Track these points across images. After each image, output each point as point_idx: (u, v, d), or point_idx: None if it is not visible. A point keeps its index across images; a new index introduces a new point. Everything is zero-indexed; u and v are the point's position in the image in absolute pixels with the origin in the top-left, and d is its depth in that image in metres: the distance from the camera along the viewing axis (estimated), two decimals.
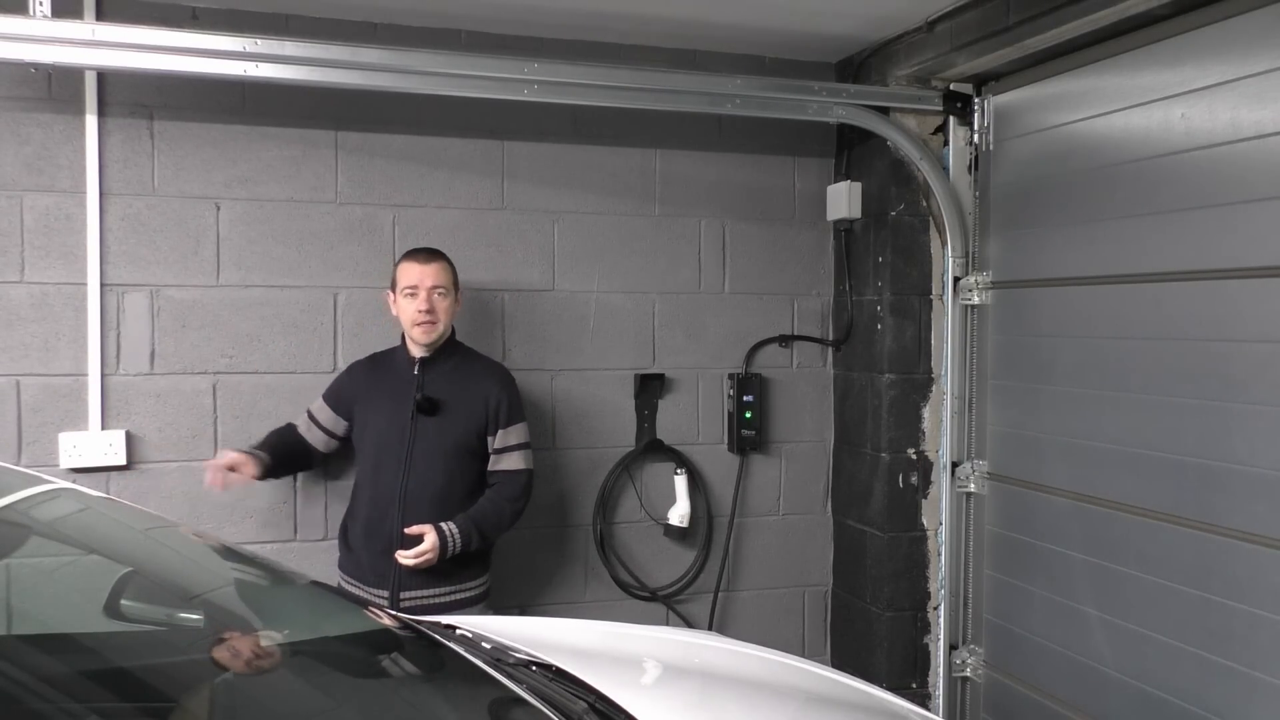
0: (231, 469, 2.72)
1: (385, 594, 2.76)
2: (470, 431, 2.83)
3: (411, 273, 2.78)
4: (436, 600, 2.78)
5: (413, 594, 2.76)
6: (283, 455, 2.88)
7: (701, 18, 3.10)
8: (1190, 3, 2.45)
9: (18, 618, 1.62)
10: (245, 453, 2.77)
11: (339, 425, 2.92)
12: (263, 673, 1.61)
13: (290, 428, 2.97)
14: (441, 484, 2.78)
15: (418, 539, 2.68)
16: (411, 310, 2.76)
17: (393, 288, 2.84)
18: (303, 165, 3.13)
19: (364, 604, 2.25)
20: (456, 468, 2.81)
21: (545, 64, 2.94)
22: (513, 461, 2.87)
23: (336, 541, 2.95)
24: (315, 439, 2.93)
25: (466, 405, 2.82)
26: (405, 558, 2.67)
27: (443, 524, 2.71)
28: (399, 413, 2.79)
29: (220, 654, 1.61)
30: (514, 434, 2.88)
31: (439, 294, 2.79)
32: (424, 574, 2.74)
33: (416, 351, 2.83)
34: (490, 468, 2.86)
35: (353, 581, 2.84)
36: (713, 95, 3.09)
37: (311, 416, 2.95)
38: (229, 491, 3.05)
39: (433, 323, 2.77)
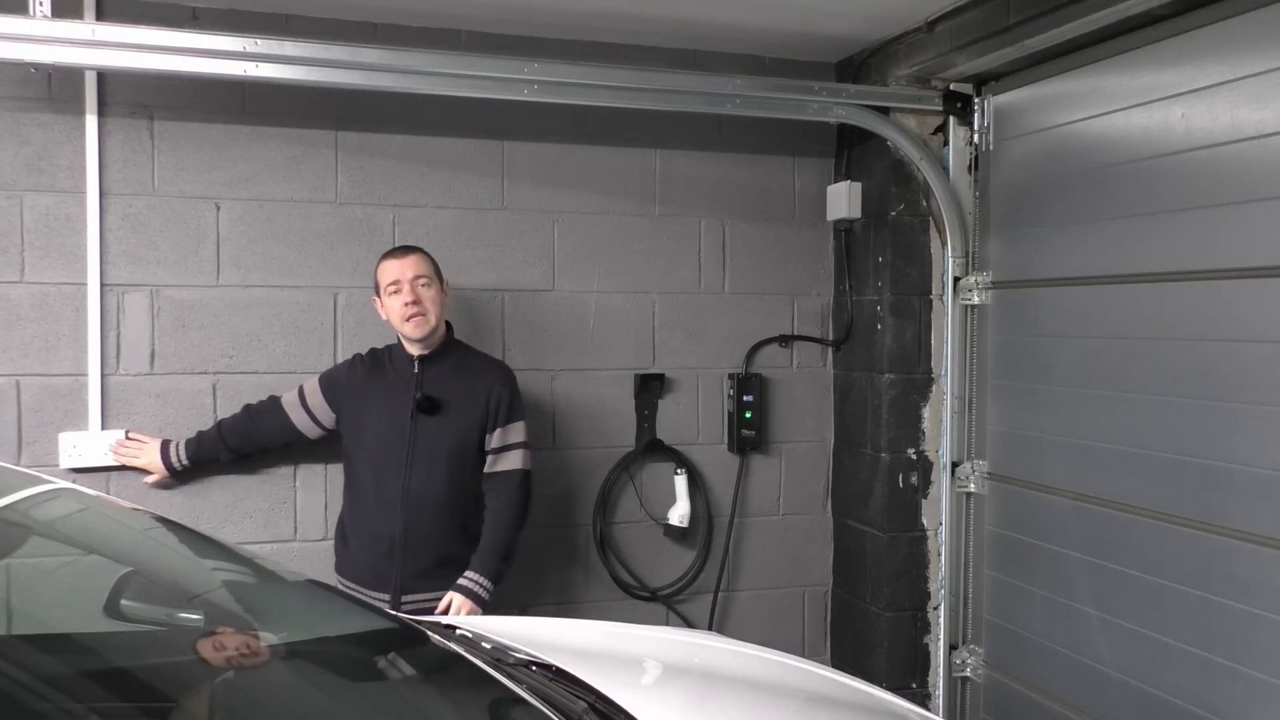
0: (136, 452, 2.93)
1: (386, 597, 2.74)
2: (472, 430, 2.79)
3: (390, 269, 2.73)
4: (437, 603, 2.76)
5: (414, 597, 2.74)
6: (233, 446, 2.92)
7: (701, 18, 3.10)
8: (1190, 3, 2.45)
9: (18, 618, 1.62)
10: (163, 454, 2.91)
11: (327, 416, 2.87)
12: (259, 672, 1.61)
13: (273, 402, 2.94)
14: (444, 484, 2.76)
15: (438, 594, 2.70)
16: (398, 305, 2.71)
17: (377, 292, 2.80)
18: (303, 165, 3.13)
19: (366, 604, 2.25)
20: (459, 468, 2.78)
21: (545, 64, 2.94)
22: (510, 462, 2.82)
23: (333, 543, 2.95)
24: (300, 420, 2.88)
25: (467, 403, 2.78)
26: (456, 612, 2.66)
27: (463, 579, 2.70)
28: (398, 413, 2.76)
29: (209, 652, 1.61)
30: (513, 432, 2.83)
31: (422, 284, 2.73)
32: (425, 577, 2.74)
33: (414, 350, 2.80)
34: (487, 469, 2.81)
35: (351, 585, 2.81)
36: (713, 95, 3.09)
37: (302, 397, 2.90)
38: (230, 491, 3.07)
39: (422, 314, 2.71)
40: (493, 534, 2.78)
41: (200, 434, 2.94)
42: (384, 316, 2.81)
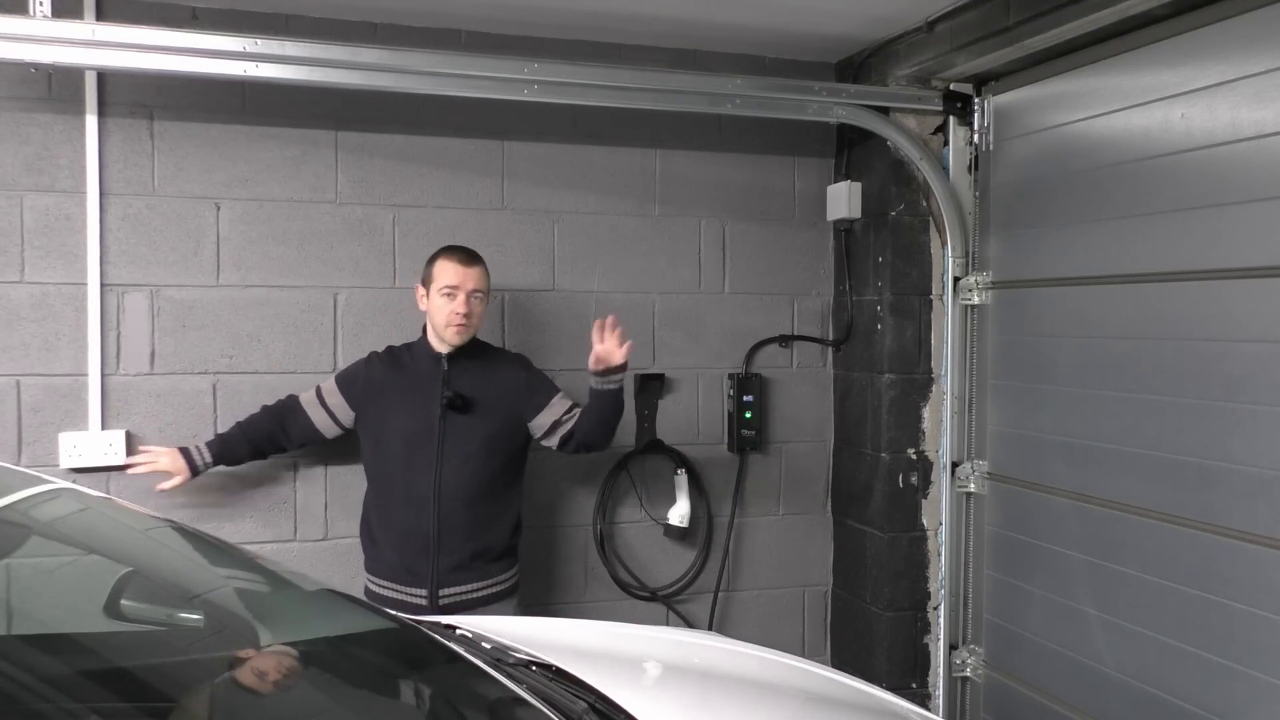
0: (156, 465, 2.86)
1: (423, 592, 2.75)
2: (504, 422, 2.83)
3: (452, 273, 2.75)
4: (475, 595, 2.79)
5: (451, 590, 2.76)
6: (254, 443, 2.90)
7: (701, 18, 3.10)
8: (1190, 3, 2.45)
9: (18, 618, 1.62)
10: (185, 456, 2.85)
11: (346, 415, 2.87)
12: (265, 677, 1.61)
13: (292, 401, 2.92)
14: (476, 478, 2.78)
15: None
16: (447, 311, 2.74)
17: (423, 283, 2.81)
18: (303, 165, 3.13)
19: (369, 606, 2.25)
20: (490, 460, 2.80)
21: (545, 64, 2.94)
22: (573, 416, 2.88)
23: (360, 543, 2.91)
24: (320, 420, 2.88)
25: (495, 397, 2.82)
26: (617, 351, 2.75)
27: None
28: (425, 410, 2.77)
29: (244, 675, 1.60)
30: (558, 405, 2.89)
31: (477, 298, 2.77)
32: (461, 570, 2.77)
33: (442, 348, 2.81)
34: (562, 437, 2.87)
35: (383, 582, 2.80)
36: (713, 95, 3.09)
37: (321, 396, 2.89)
38: (230, 491, 3.07)
39: (467, 326, 2.76)
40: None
41: (220, 436, 2.93)
42: (422, 308, 2.83)
